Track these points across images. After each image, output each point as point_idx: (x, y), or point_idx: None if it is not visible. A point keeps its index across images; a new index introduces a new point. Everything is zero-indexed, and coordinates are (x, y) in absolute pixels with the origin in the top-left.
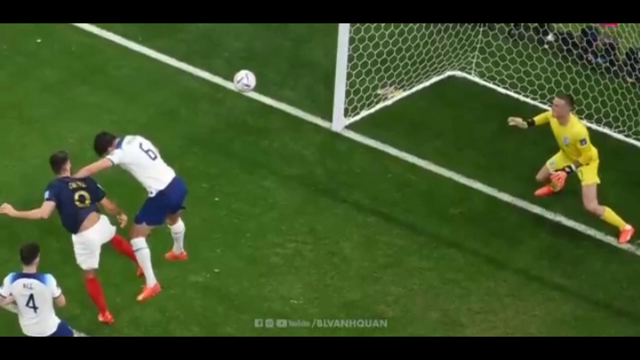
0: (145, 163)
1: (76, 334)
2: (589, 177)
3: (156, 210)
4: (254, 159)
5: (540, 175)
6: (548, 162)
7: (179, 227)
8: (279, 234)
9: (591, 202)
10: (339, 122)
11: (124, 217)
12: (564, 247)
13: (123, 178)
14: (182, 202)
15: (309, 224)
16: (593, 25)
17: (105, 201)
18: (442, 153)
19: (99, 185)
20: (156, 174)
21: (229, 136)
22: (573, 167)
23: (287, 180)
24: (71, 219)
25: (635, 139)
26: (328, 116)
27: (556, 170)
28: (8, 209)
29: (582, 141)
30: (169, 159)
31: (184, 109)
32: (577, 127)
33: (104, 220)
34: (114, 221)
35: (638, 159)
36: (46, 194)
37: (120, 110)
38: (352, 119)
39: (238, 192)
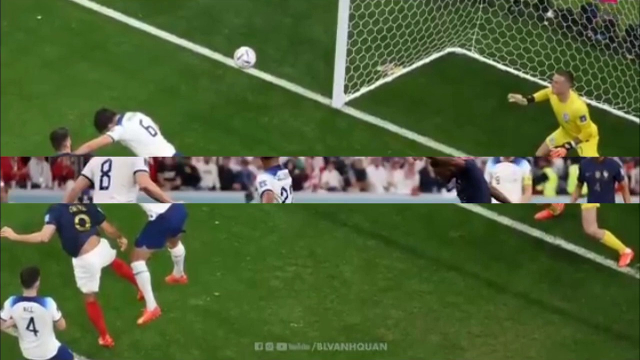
0: (145, 139)
1: (76, 358)
2: (588, 204)
3: (156, 233)
4: (254, 135)
5: (540, 152)
6: (548, 139)
7: (179, 250)
8: (279, 257)
9: (591, 225)
10: (339, 99)
11: (124, 241)
12: (564, 270)
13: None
14: (182, 225)
15: (309, 247)
16: (593, 1)
17: (105, 224)
18: (442, 129)
19: (99, 209)
20: (156, 151)
21: (229, 113)
22: (573, 143)
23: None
24: (71, 243)
25: (634, 115)
26: (328, 93)
27: (556, 147)
28: (8, 233)
29: (582, 118)
30: (169, 136)
31: (184, 86)
32: (576, 103)
33: (104, 243)
34: (114, 244)
35: (637, 135)
36: (46, 218)
37: (120, 86)
38: (352, 96)
39: (238, 215)
